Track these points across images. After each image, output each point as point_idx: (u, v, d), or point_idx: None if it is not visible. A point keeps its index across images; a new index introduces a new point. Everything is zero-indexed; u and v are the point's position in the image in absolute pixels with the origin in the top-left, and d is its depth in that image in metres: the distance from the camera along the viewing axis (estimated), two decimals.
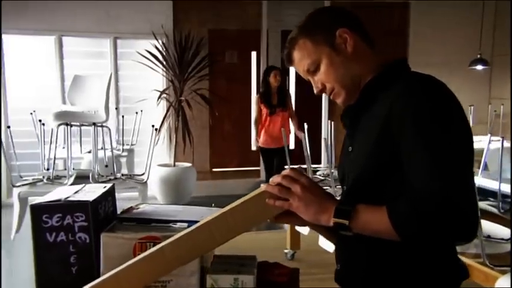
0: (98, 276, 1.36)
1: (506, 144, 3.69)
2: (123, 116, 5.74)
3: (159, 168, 6.81)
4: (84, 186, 1.60)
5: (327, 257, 2.50)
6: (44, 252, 1.41)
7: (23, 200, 3.71)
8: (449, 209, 1.11)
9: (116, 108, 6.49)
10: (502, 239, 2.47)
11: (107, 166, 4.28)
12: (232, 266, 1.51)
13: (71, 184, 3.80)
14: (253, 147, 6.93)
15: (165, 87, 7.07)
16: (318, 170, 5.23)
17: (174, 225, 1.51)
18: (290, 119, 6.40)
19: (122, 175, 4.16)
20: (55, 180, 3.90)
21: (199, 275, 1.43)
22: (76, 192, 1.51)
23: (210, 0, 7.15)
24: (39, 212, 1.40)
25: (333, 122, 5.10)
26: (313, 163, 4.48)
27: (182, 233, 1.31)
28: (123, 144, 5.76)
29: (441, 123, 1.17)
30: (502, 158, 3.03)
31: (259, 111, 6.31)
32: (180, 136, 6.77)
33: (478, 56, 7.15)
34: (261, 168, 7.15)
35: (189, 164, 6.94)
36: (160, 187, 6.75)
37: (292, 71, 7.35)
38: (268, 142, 6.28)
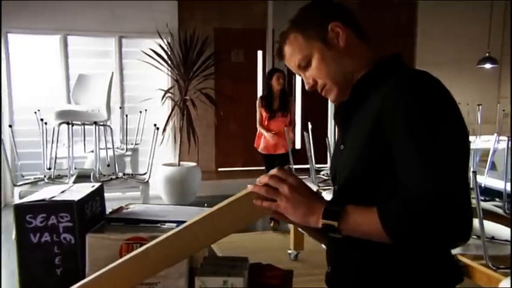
0: (84, 278, 1.33)
1: None
2: (126, 115, 5.71)
3: (163, 168, 6.78)
4: (72, 185, 1.57)
5: None
6: (28, 254, 1.38)
7: None
8: (442, 210, 1.06)
9: (120, 108, 6.47)
10: (507, 241, 2.41)
11: (109, 165, 4.25)
12: (223, 267, 1.46)
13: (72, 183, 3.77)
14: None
15: (170, 86, 7.04)
16: (322, 170, 5.19)
17: (162, 226, 1.47)
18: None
19: (124, 174, 4.13)
20: (56, 179, 3.88)
21: (187, 277, 1.39)
22: (62, 192, 1.48)
23: None
24: (22, 212, 1.36)
25: None
26: (319, 163, 4.44)
27: (167, 235, 1.27)
28: (126, 144, 5.73)
29: (434, 121, 1.12)
30: (508, 158, 2.96)
31: (261, 114, 6.03)
32: (185, 135, 6.74)
33: (487, 54, 7.08)
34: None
35: (193, 164, 6.91)
36: (165, 186, 6.72)
37: None
38: (267, 148, 6.00)
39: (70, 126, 4.00)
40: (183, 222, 1.36)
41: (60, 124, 3.85)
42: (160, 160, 6.93)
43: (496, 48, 7.36)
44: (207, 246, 1.38)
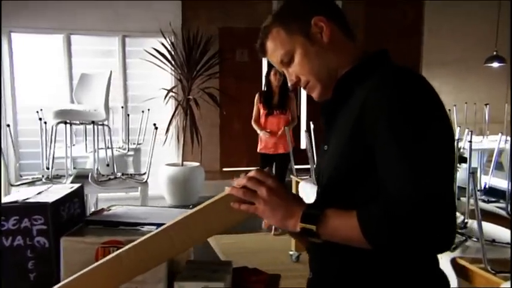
0: (58, 283, 1.27)
1: None
2: (128, 115, 5.67)
3: (167, 168, 6.75)
4: (51, 186, 1.52)
5: None
6: (0, 258, 1.33)
7: None
8: (423, 215, 1.00)
9: (122, 107, 6.44)
10: (508, 243, 2.34)
11: (108, 165, 4.21)
12: (204, 272, 1.41)
13: (70, 183, 3.74)
14: None
15: (173, 85, 7.00)
16: None
17: (141, 229, 1.42)
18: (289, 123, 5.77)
19: (123, 174, 4.08)
20: (54, 179, 3.83)
21: (166, 282, 1.34)
22: (39, 194, 1.43)
23: None
24: None
25: None
26: None
27: (141, 239, 1.21)
28: (128, 143, 5.69)
29: (417, 119, 1.05)
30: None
31: (258, 111, 5.85)
32: (188, 135, 6.70)
33: (494, 53, 6.98)
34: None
35: (197, 164, 6.86)
36: (168, 187, 6.68)
37: None
38: (266, 147, 5.80)
39: (68, 125, 3.96)
40: (164, 224, 1.31)
41: (58, 123, 3.81)
42: (163, 160, 6.91)
43: (503, 46, 7.25)
44: (184, 251, 1.32)
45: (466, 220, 2.70)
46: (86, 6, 6.72)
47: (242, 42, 7.34)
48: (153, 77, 7.02)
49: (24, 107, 6.65)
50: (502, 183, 3.81)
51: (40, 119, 4.09)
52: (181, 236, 1.21)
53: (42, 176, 3.88)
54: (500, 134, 3.78)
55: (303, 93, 7.59)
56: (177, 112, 6.80)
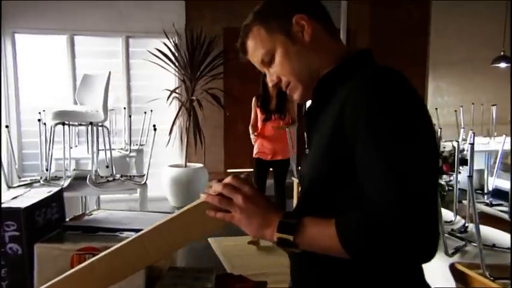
0: None
1: None
2: (130, 116, 5.64)
3: (170, 169, 6.71)
4: (29, 190, 1.48)
5: None
6: None
7: None
8: (403, 223, 0.94)
9: (124, 108, 6.41)
10: (508, 249, 2.27)
11: (107, 167, 4.17)
12: (185, 279, 1.37)
13: (67, 185, 3.70)
14: None
15: (176, 86, 6.97)
16: None
17: (121, 235, 1.37)
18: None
19: (121, 176, 4.04)
20: (52, 181, 3.79)
21: None
22: (14, 198, 1.39)
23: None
24: None
25: None
26: None
27: (115, 247, 1.16)
28: (130, 145, 5.65)
29: (396, 120, 0.99)
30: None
31: (256, 115, 5.47)
32: (192, 136, 6.66)
33: (502, 53, 6.89)
34: None
35: (200, 165, 6.82)
36: (171, 188, 6.65)
37: None
38: (263, 153, 5.40)
39: (67, 127, 3.92)
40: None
41: (56, 125, 3.77)
42: (167, 161, 6.87)
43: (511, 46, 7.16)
44: (160, 259, 1.27)
45: (466, 224, 2.64)
46: (89, 7, 6.70)
47: None
48: (156, 78, 6.99)
49: (27, 108, 6.63)
50: (506, 184, 3.75)
51: (39, 120, 4.06)
52: (156, 243, 1.16)
53: (41, 178, 3.85)
54: (504, 135, 3.69)
55: None
56: (180, 113, 6.76)
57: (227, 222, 1.11)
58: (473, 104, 6.71)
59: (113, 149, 5.47)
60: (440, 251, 2.32)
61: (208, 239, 5.03)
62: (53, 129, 3.79)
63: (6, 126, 4.01)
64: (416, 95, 1.04)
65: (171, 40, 6.66)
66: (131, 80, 7.12)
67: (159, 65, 6.56)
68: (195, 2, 7.04)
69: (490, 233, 2.52)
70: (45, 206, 1.39)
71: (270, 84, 1.27)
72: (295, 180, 4.45)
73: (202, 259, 4.80)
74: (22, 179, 4.02)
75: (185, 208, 1.15)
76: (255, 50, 1.24)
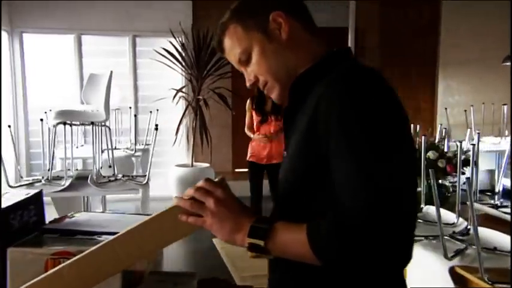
0: None
1: None
2: (135, 115, 5.64)
3: (176, 169, 6.69)
4: (7, 193, 1.45)
5: None
6: None
7: None
8: (376, 229, 0.89)
9: (130, 107, 6.40)
10: (509, 252, 2.20)
11: (110, 166, 4.15)
12: (165, 284, 1.34)
13: (69, 185, 3.69)
14: None
15: (183, 85, 6.95)
16: None
17: (98, 238, 1.34)
18: None
19: (123, 176, 4.01)
20: (54, 181, 3.78)
21: None
22: None
23: None
24: None
25: None
26: None
27: (85, 253, 1.13)
28: (135, 144, 5.64)
29: (369, 117, 0.95)
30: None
31: (251, 117, 5.26)
32: (198, 136, 6.63)
33: None
34: None
35: (207, 164, 6.79)
36: (178, 188, 6.61)
37: None
38: (257, 156, 5.21)
39: (68, 126, 3.91)
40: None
41: (57, 124, 3.76)
42: (174, 161, 6.86)
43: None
44: (132, 264, 1.23)
45: (468, 226, 2.57)
46: (96, 6, 6.72)
47: None
48: (163, 77, 6.98)
49: (35, 107, 6.65)
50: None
51: (41, 119, 4.05)
52: (127, 249, 1.12)
53: (42, 178, 3.84)
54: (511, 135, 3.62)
55: None
56: (187, 112, 6.74)
57: (199, 227, 1.07)
58: (483, 103, 6.62)
59: (118, 149, 5.47)
60: (440, 254, 2.26)
61: (213, 239, 4.99)
62: (54, 128, 3.77)
63: (9, 126, 4.00)
64: (391, 93, 0.99)
65: (177, 39, 6.64)
66: (138, 80, 7.12)
67: (165, 64, 6.54)
68: (202, 2, 7.02)
69: (492, 235, 2.45)
70: (22, 209, 1.36)
71: (247, 84, 1.23)
72: None
73: (207, 259, 4.78)
74: (24, 179, 4.02)
75: (157, 212, 1.11)
76: (232, 48, 1.20)
